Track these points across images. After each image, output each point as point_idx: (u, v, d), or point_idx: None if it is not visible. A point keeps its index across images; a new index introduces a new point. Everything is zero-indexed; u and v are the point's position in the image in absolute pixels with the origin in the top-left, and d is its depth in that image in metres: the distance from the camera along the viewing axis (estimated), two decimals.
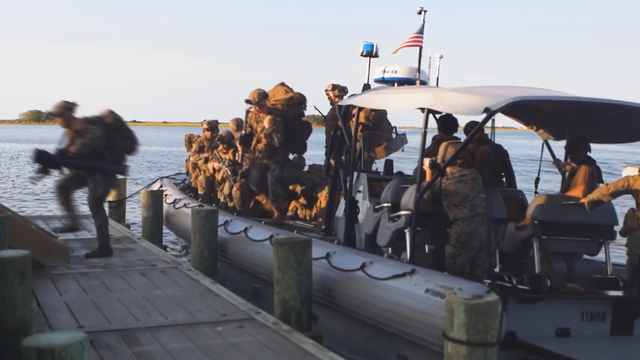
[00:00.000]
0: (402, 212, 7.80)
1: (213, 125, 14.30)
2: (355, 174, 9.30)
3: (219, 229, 10.18)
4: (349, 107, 9.54)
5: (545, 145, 9.37)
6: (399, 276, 6.91)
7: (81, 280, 8.35)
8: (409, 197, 7.79)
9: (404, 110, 9.36)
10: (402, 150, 11.02)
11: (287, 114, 11.48)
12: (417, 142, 7.92)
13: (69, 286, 8.09)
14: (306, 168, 13.03)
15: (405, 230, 7.71)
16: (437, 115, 9.34)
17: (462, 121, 8.84)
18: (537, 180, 9.13)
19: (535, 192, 8.89)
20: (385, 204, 8.36)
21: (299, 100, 11.67)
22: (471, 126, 8.40)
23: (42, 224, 11.67)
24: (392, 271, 7.05)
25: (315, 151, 14.09)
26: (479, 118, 7.19)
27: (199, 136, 14.67)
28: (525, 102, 7.76)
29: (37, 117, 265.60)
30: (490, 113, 6.74)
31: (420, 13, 9.44)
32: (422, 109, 8.25)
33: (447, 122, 8.77)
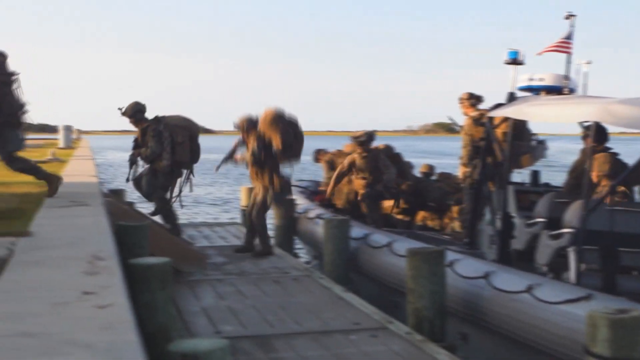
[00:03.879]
0: (565, 230, 7.32)
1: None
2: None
3: (357, 241, 10.17)
4: (494, 117, 9.34)
5: None
6: (574, 301, 6.38)
7: (217, 287, 8.55)
8: (573, 214, 7.26)
9: (565, 123, 8.93)
10: (545, 158, 10.64)
11: None
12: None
13: (206, 292, 8.30)
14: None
15: (569, 249, 7.19)
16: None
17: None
18: None
19: None
20: (540, 219, 7.92)
21: None
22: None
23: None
24: (564, 295, 6.55)
25: (449, 160, 13.80)
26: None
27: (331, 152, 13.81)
28: None
29: None
30: None
31: (567, 18, 9.06)
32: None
33: (599, 132, 8.21)
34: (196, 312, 7.48)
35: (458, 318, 7.73)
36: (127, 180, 10.55)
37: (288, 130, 10.33)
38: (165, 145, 10.01)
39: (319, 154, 14.17)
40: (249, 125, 10.45)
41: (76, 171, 14.87)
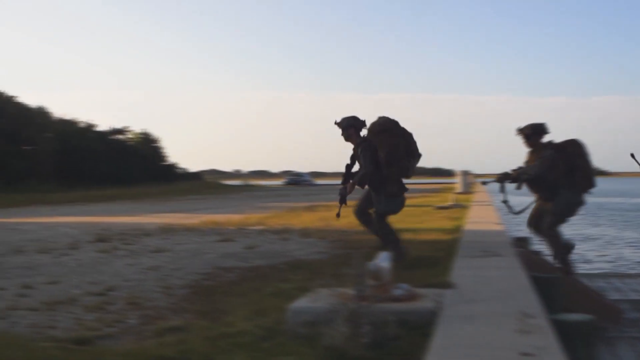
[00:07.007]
0: None
1: None
2: None
3: None
4: None
5: None
6: None
7: (637, 345, 8.05)
8: None
9: None
10: None
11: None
12: None
13: (625, 351, 7.84)
14: None
15: None
16: None
17: None
18: None
19: None
20: None
21: None
22: None
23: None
24: None
25: None
26: None
27: None
28: None
29: None
30: None
31: None
32: None
33: None
34: None
35: None
36: None
37: (399, 143, 8.91)
38: None
39: None
40: (348, 125, 9.12)
41: (480, 218, 15.12)
